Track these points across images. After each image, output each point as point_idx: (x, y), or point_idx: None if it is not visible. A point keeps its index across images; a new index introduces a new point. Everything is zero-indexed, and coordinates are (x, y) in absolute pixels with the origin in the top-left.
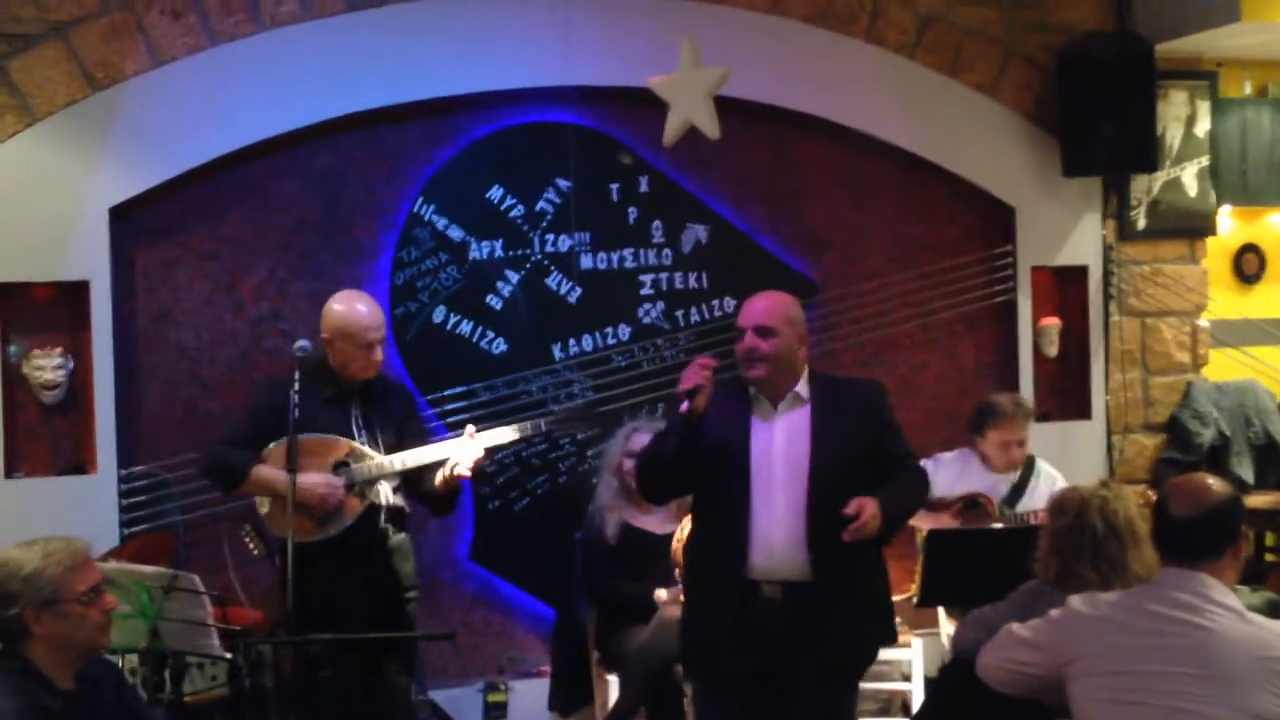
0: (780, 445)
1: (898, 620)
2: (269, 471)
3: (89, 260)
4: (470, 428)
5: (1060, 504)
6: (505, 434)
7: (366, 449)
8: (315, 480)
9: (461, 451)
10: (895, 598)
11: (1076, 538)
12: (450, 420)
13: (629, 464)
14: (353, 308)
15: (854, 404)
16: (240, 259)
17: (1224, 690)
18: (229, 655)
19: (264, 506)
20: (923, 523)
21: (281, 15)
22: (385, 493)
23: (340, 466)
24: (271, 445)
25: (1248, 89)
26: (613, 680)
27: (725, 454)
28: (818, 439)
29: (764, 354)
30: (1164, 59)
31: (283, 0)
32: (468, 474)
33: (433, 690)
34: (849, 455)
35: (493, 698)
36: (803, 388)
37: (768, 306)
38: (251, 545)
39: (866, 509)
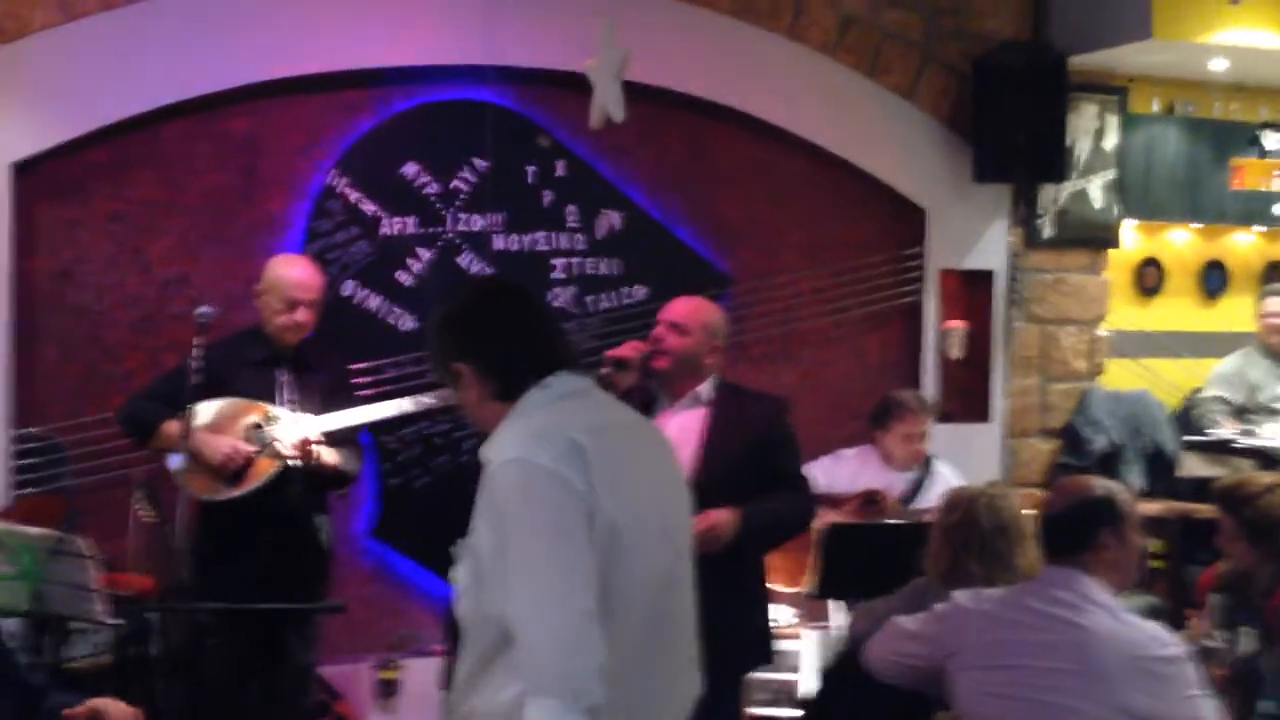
0: None
1: (794, 612)
2: (176, 428)
3: None
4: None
5: (950, 501)
6: (388, 408)
7: (285, 412)
8: (219, 442)
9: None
10: (791, 589)
11: (966, 533)
12: (356, 394)
13: None
14: (289, 264)
15: (752, 416)
16: (148, 222)
17: (1098, 686)
18: (113, 622)
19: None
20: (821, 516)
21: None
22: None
23: (255, 429)
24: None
25: (1156, 106)
26: None
27: None
28: (706, 443)
29: (670, 348)
30: (1077, 72)
31: None
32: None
33: (324, 665)
34: (733, 465)
35: (384, 674)
36: (705, 390)
37: (689, 309)
38: (143, 512)
39: (711, 516)
